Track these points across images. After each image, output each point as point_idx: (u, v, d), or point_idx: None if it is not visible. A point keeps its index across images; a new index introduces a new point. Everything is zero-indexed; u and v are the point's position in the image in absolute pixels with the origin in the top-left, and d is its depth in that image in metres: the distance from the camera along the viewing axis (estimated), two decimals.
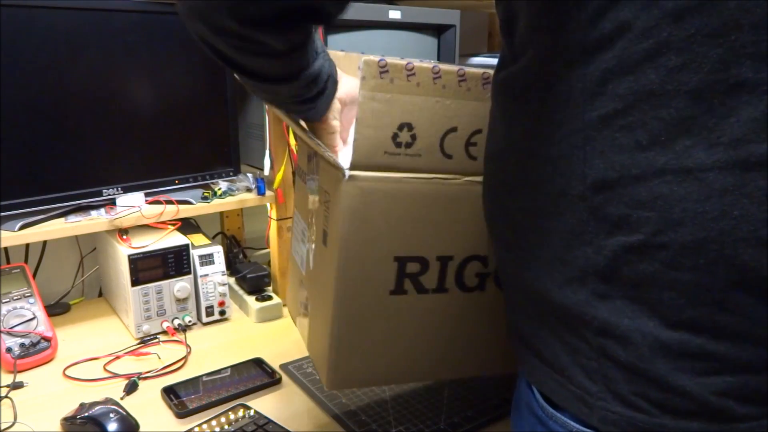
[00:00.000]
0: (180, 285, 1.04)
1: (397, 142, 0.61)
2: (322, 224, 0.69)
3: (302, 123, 0.72)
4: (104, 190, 1.03)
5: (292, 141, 1.08)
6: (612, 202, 0.41)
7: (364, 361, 0.70)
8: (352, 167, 0.61)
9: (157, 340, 1.02)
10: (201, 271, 1.07)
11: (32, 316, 0.96)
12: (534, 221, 0.47)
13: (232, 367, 0.93)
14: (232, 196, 1.13)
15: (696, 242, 0.38)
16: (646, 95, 0.38)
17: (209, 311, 1.09)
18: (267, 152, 1.10)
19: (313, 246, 0.74)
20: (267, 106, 1.08)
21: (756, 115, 0.36)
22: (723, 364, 0.39)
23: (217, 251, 1.09)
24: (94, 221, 1.00)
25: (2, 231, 0.94)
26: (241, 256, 1.30)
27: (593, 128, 0.41)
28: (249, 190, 1.16)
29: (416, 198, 0.64)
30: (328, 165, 0.65)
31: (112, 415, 0.77)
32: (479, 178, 0.61)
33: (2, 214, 0.94)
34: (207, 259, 1.08)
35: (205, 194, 1.11)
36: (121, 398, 0.85)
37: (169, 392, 0.86)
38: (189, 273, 1.05)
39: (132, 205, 1.03)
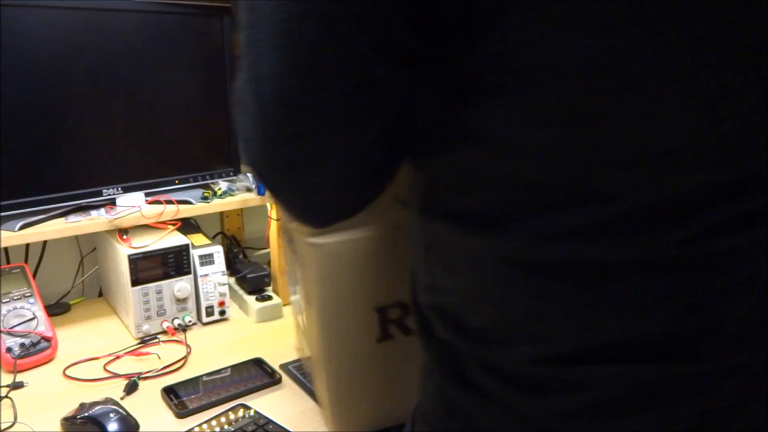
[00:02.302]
0: (180, 285, 1.04)
1: None
2: (303, 285, 0.71)
3: None
4: (104, 190, 1.03)
5: None
6: None
7: (367, 408, 0.71)
8: (314, 234, 0.62)
9: (157, 340, 1.02)
10: (201, 271, 1.07)
11: (32, 316, 0.96)
12: None
13: (232, 367, 0.93)
14: (232, 196, 1.13)
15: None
16: None
17: (209, 311, 1.09)
18: None
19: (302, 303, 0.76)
20: None
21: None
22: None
23: (217, 251, 1.09)
24: (94, 221, 1.00)
25: (2, 231, 0.94)
26: (241, 256, 1.30)
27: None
28: (249, 190, 1.15)
29: (383, 248, 0.65)
30: (298, 231, 0.67)
31: (112, 415, 0.77)
32: None
33: (2, 214, 0.94)
34: (207, 259, 1.08)
35: (205, 194, 1.11)
36: (121, 398, 0.85)
37: (169, 392, 0.86)
38: (189, 273, 1.05)
39: (132, 205, 1.03)
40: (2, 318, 0.93)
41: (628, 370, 0.38)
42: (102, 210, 1.02)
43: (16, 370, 0.90)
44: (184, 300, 1.05)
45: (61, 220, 0.99)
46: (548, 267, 0.38)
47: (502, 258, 0.39)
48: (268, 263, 1.23)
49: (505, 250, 0.39)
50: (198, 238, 1.12)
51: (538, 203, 0.37)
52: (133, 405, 0.82)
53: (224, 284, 1.09)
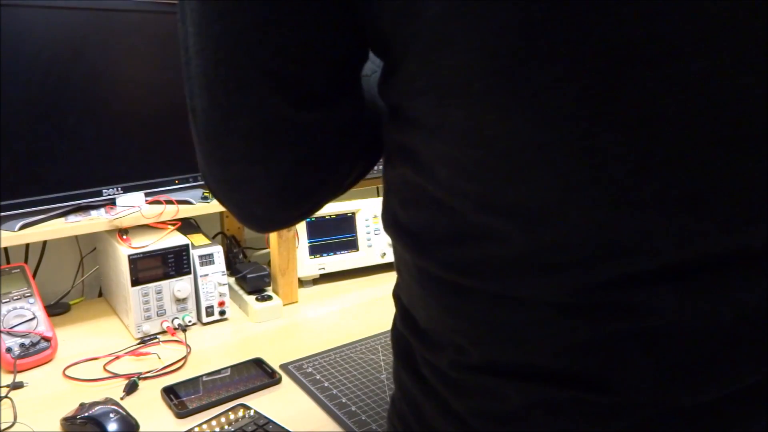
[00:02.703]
0: (180, 285, 1.04)
1: None
2: None
3: None
4: (104, 190, 1.03)
5: None
6: None
7: None
8: None
9: (157, 340, 1.02)
10: (201, 271, 1.07)
11: (32, 316, 0.96)
12: None
13: (232, 367, 0.93)
14: None
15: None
16: None
17: (209, 311, 1.09)
18: None
19: None
20: None
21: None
22: None
23: (217, 251, 1.09)
24: (94, 221, 1.00)
25: (2, 231, 0.94)
26: (241, 256, 1.30)
27: None
28: None
29: None
30: None
31: (112, 415, 0.77)
32: None
33: (2, 214, 0.94)
34: (207, 259, 1.08)
35: (205, 194, 1.11)
36: (121, 398, 0.85)
37: (169, 392, 0.86)
38: (189, 273, 1.05)
39: (132, 205, 1.03)
40: (2, 318, 0.93)
41: (530, 388, 0.40)
42: (102, 210, 1.02)
43: (16, 370, 0.90)
44: (184, 300, 1.05)
45: (61, 220, 0.99)
46: (459, 287, 0.40)
47: (424, 272, 0.43)
48: (268, 263, 1.23)
49: (426, 266, 0.42)
50: (198, 238, 1.12)
51: (450, 230, 0.40)
52: (133, 405, 0.82)
53: (224, 284, 1.09)
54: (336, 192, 0.52)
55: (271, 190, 0.46)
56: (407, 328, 0.48)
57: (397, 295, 0.50)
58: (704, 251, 0.35)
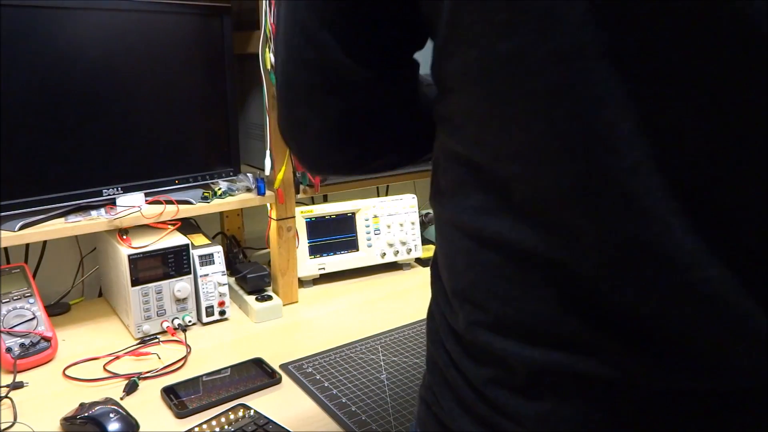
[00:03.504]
0: (180, 285, 1.04)
1: None
2: None
3: None
4: (104, 190, 1.03)
5: None
6: None
7: None
8: None
9: (157, 340, 1.02)
10: (201, 271, 1.07)
11: (32, 316, 0.96)
12: None
13: (232, 367, 0.93)
14: (232, 196, 1.13)
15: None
16: None
17: (209, 311, 1.09)
18: (267, 152, 1.10)
19: None
20: (267, 106, 1.08)
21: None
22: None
23: (217, 251, 1.09)
24: (94, 221, 1.00)
25: (2, 231, 0.93)
26: (241, 256, 1.30)
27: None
28: (249, 190, 1.15)
29: None
30: None
31: (112, 415, 0.77)
32: None
33: (2, 214, 0.94)
34: (207, 259, 1.08)
35: (205, 194, 1.11)
36: (121, 398, 0.85)
37: (169, 392, 0.86)
38: (189, 273, 1.05)
39: (132, 205, 1.03)
40: (2, 318, 0.93)
41: (538, 354, 0.41)
42: (102, 210, 1.02)
43: (16, 370, 0.90)
44: (184, 300, 1.05)
45: (61, 220, 0.99)
46: (481, 238, 0.44)
47: (453, 226, 0.47)
48: (268, 263, 1.23)
49: (454, 219, 0.46)
50: (198, 238, 1.12)
51: (476, 182, 0.44)
52: (133, 405, 0.82)
53: (224, 284, 1.09)
54: (374, 155, 0.59)
55: (322, 131, 0.55)
56: (438, 296, 0.51)
57: (432, 269, 0.54)
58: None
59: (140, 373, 0.90)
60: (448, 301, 0.48)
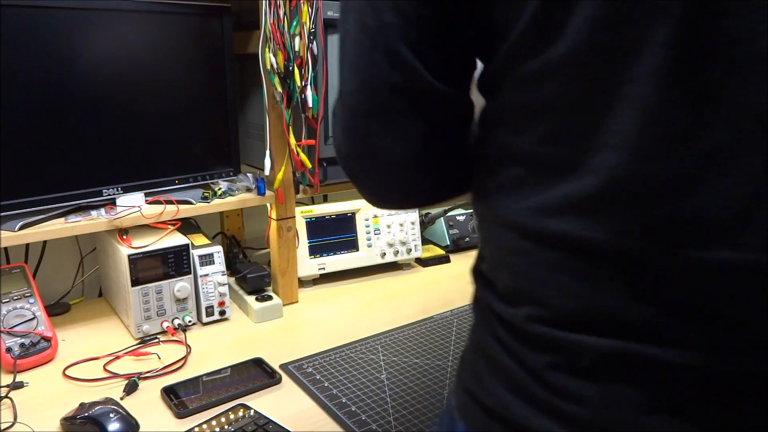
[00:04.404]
0: (180, 285, 1.04)
1: None
2: None
3: None
4: (104, 190, 1.03)
5: (293, 141, 1.08)
6: None
7: None
8: None
9: (157, 340, 1.02)
10: (201, 271, 1.07)
11: (32, 316, 0.96)
12: None
13: (232, 367, 0.93)
14: (232, 196, 1.13)
15: None
16: None
17: (209, 311, 1.09)
18: (267, 152, 1.10)
19: None
20: (267, 106, 1.08)
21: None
22: None
23: (217, 251, 1.09)
24: (94, 221, 1.00)
25: (2, 231, 0.93)
26: (241, 256, 1.30)
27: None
28: (249, 190, 1.16)
29: None
30: None
31: (112, 415, 0.77)
32: None
33: (2, 214, 0.94)
34: (207, 259, 1.08)
35: (205, 194, 1.11)
36: (121, 398, 0.85)
37: (169, 392, 0.86)
38: (189, 273, 1.05)
39: (132, 205, 1.03)
40: (2, 318, 0.93)
41: (604, 343, 0.42)
42: (102, 210, 1.02)
43: (16, 370, 0.90)
44: (184, 300, 1.05)
45: (61, 220, 0.99)
46: (542, 237, 0.44)
47: (506, 227, 0.47)
48: (268, 263, 1.23)
49: (512, 219, 0.46)
50: (198, 238, 1.12)
51: (542, 177, 0.44)
52: (133, 405, 0.82)
53: (224, 284, 1.09)
54: (449, 182, 0.57)
55: (406, 159, 0.52)
56: (488, 293, 0.51)
57: (476, 271, 0.54)
58: None
59: (140, 373, 0.90)
60: (499, 298, 0.49)
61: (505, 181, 0.47)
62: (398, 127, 0.50)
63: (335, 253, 1.30)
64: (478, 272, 0.54)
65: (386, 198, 0.59)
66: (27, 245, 1.14)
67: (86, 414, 0.77)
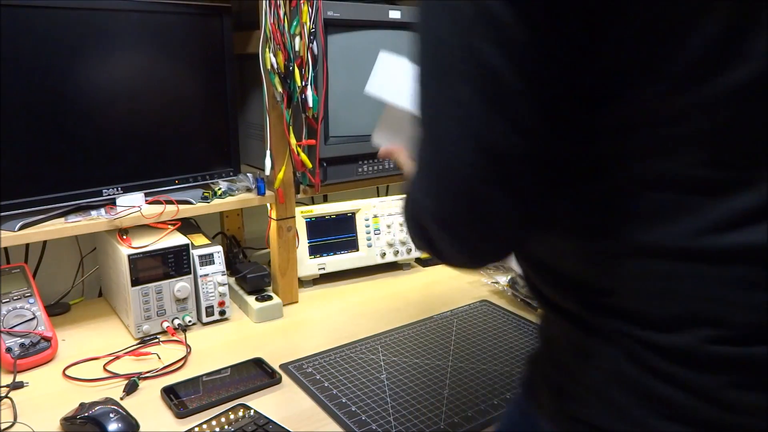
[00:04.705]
0: (180, 285, 1.04)
1: None
2: None
3: None
4: (104, 190, 1.03)
5: (293, 141, 1.08)
6: None
7: None
8: None
9: (157, 340, 1.02)
10: (201, 271, 1.07)
11: (32, 316, 0.96)
12: None
13: (232, 367, 0.93)
14: (232, 196, 1.13)
15: None
16: None
17: (209, 311, 1.09)
18: (267, 152, 1.10)
19: None
20: (267, 106, 1.08)
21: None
22: None
23: (217, 251, 1.09)
24: (94, 221, 1.00)
25: (2, 231, 0.93)
26: (241, 256, 1.30)
27: None
28: (249, 190, 1.16)
29: None
30: None
31: (112, 415, 0.77)
32: None
33: (2, 214, 0.94)
34: (207, 259, 1.08)
35: (205, 194, 1.11)
36: (121, 398, 0.85)
37: (169, 392, 0.86)
38: (189, 273, 1.05)
39: (132, 205, 1.03)
40: (2, 318, 0.93)
41: None
42: (102, 210, 1.02)
43: (16, 370, 0.90)
44: (184, 300, 1.05)
45: (61, 220, 0.99)
46: (714, 255, 0.44)
47: (664, 253, 0.46)
48: (268, 263, 1.23)
49: (666, 245, 0.46)
50: (198, 238, 1.12)
51: (704, 198, 0.44)
52: (133, 405, 0.82)
53: (224, 284, 1.09)
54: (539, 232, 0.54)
55: (519, 220, 0.49)
56: (625, 325, 0.49)
57: (597, 305, 0.52)
58: None
59: (140, 373, 0.90)
60: (649, 327, 0.48)
61: (644, 209, 0.46)
62: (515, 190, 0.47)
63: (335, 253, 1.30)
64: (599, 306, 0.51)
65: (489, 253, 0.54)
66: (27, 245, 1.14)
67: (86, 414, 0.77)
